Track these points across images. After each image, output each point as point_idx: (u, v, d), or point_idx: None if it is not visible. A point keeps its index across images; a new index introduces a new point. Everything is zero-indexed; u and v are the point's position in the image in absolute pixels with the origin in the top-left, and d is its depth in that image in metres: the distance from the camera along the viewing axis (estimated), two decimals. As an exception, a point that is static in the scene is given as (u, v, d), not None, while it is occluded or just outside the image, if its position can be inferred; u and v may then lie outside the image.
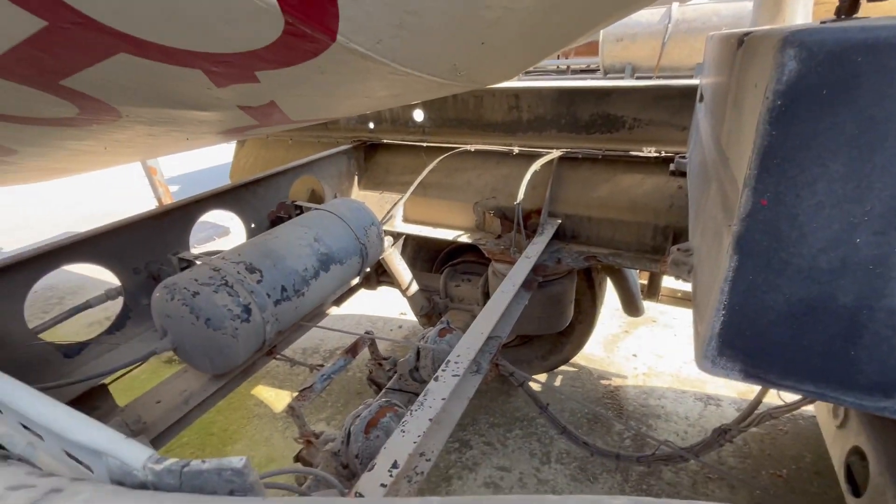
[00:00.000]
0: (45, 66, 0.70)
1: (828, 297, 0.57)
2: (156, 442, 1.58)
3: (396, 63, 0.74)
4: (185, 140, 1.40)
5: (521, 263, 1.92)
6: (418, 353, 1.76)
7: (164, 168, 5.66)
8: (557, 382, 3.07)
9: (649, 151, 2.12)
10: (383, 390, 1.78)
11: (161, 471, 0.30)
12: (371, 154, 2.85)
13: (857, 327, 0.56)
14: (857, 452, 1.10)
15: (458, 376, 1.30)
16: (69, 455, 0.37)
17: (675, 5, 7.84)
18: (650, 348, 3.32)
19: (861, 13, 0.82)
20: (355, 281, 2.55)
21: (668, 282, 2.68)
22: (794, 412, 2.59)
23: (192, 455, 2.70)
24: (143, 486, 0.30)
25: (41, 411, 0.34)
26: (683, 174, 1.77)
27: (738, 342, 0.64)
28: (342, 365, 1.77)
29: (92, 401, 1.56)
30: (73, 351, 1.54)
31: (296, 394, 1.60)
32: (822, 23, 0.80)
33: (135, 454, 0.31)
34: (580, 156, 2.28)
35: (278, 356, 2.04)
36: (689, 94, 2.01)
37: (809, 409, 2.22)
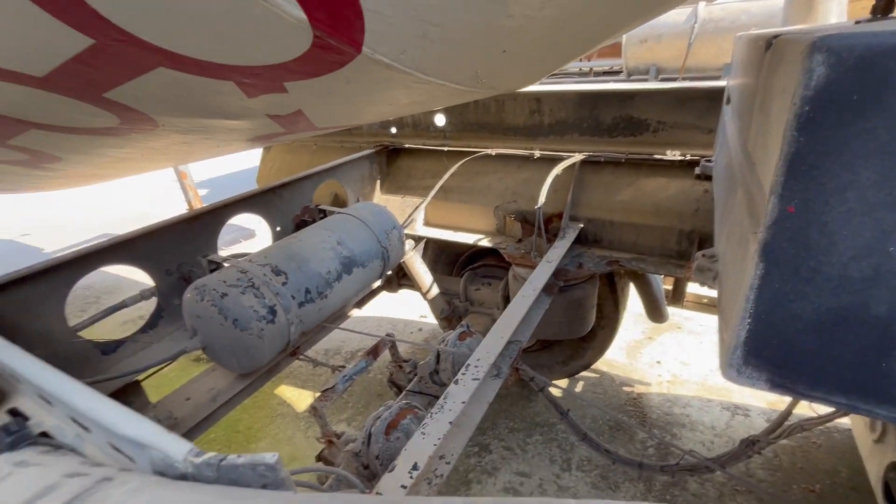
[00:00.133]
0: (90, 80, 0.75)
1: (860, 307, 0.55)
2: (185, 437, 1.63)
3: (419, 72, 0.76)
4: (216, 147, 1.45)
5: (541, 267, 1.91)
6: (438, 356, 1.77)
7: (193, 173, 5.86)
8: (578, 388, 3.04)
9: (674, 155, 2.09)
10: (403, 392, 1.80)
11: (200, 464, 0.32)
12: (393, 158, 2.89)
13: (891, 337, 0.55)
14: None
15: (478, 380, 1.31)
16: (114, 447, 0.40)
17: (701, 5, 7.67)
18: (675, 355, 3.25)
19: (897, 13, 0.79)
20: (377, 283, 2.58)
21: (694, 287, 2.62)
22: (829, 425, 2.49)
23: (219, 451, 2.78)
24: (183, 477, 0.32)
25: (92, 405, 0.37)
26: (709, 178, 1.73)
27: (764, 351, 0.62)
28: (363, 366, 1.79)
29: (126, 396, 1.63)
30: (109, 348, 1.62)
31: (318, 394, 1.63)
32: (856, 22, 0.78)
33: (177, 448, 0.33)
34: (602, 159, 2.26)
35: (301, 357, 2.08)
36: (715, 96, 1.97)
37: (844, 421, 2.14)
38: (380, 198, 2.81)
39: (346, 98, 0.90)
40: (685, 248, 2.01)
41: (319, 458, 1.63)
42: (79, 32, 0.59)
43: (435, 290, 2.70)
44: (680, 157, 2.08)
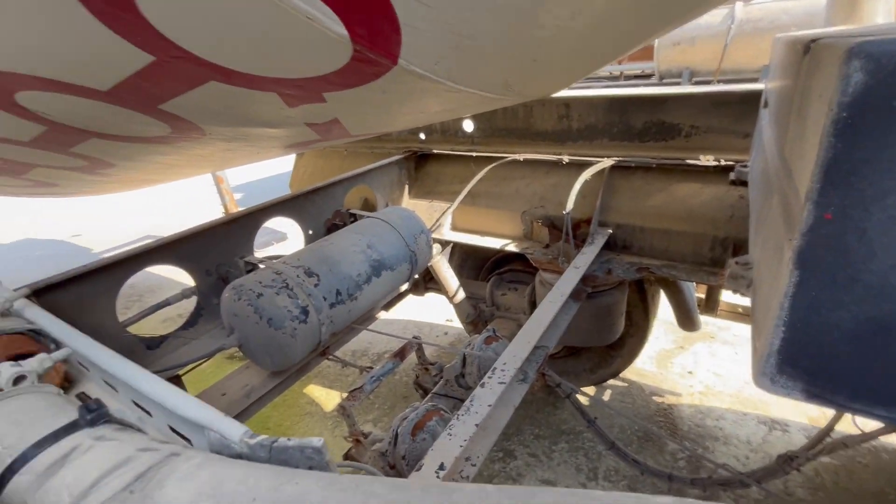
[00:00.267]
0: (148, 93, 0.81)
1: (902, 317, 0.54)
2: (221, 431, 1.71)
3: (451, 81, 0.79)
4: (256, 153, 1.53)
5: (569, 273, 1.90)
6: (464, 359, 1.78)
7: (229, 177, 6.10)
8: (606, 397, 2.98)
9: (707, 160, 2.04)
10: (429, 395, 1.82)
11: (254, 444, 0.35)
12: (421, 164, 2.94)
13: (936, 349, 0.53)
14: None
15: (504, 384, 1.31)
16: (172, 429, 0.44)
17: (738, 5, 7.43)
18: (707, 366, 3.15)
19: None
20: (404, 287, 2.62)
21: (729, 296, 2.54)
22: (876, 443, 2.36)
23: (250, 447, 2.86)
24: (238, 456, 0.35)
25: (158, 390, 0.41)
26: (744, 183, 1.69)
27: (799, 360, 0.61)
28: (390, 368, 1.83)
29: (168, 390, 1.71)
30: (154, 343, 1.71)
31: (345, 394, 1.67)
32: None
33: (233, 430, 0.36)
34: (633, 165, 2.23)
35: (331, 357, 2.14)
36: (751, 99, 1.92)
37: (894, 440, 2.02)
38: (408, 202, 2.86)
39: (380, 107, 0.93)
40: (719, 255, 1.96)
41: (347, 456, 1.67)
42: (142, 51, 0.65)
43: (461, 295, 2.72)
44: (714, 163, 2.03)
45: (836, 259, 0.55)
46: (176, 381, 1.78)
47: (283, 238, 6.12)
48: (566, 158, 2.40)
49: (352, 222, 2.28)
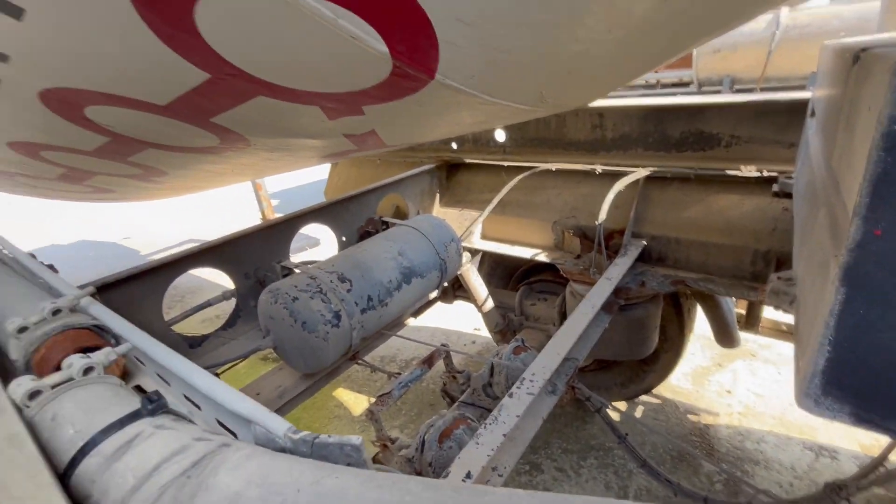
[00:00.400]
0: (202, 107, 0.87)
1: (961, 339, 0.51)
2: (255, 430, 1.77)
3: (486, 94, 0.80)
4: (295, 162, 1.59)
5: (601, 284, 1.87)
6: (492, 368, 1.78)
7: (267, 184, 6.34)
8: (638, 413, 2.89)
9: (749, 171, 1.97)
10: (456, 403, 1.82)
11: (297, 440, 0.37)
12: (453, 173, 2.97)
13: None
14: None
15: (532, 394, 1.30)
16: (219, 423, 0.47)
17: (784, 10, 7.15)
18: (748, 385, 3.00)
19: None
20: (433, 294, 2.64)
21: (771, 313, 2.42)
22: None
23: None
24: (281, 450, 0.37)
25: (209, 385, 0.44)
26: (788, 195, 1.62)
27: (846, 381, 0.59)
28: (419, 374, 1.84)
29: (207, 387, 1.79)
30: (196, 342, 1.79)
31: (374, 399, 1.70)
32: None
33: (278, 425, 0.38)
34: (669, 175, 2.18)
35: (360, 361, 2.17)
36: (797, 108, 1.85)
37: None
38: (439, 211, 2.89)
39: (416, 119, 0.96)
40: (760, 269, 1.88)
41: (374, 460, 1.69)
42: (199, 69, 0.70)
43: (490, 304, 2.71)
44: (756, 174, 1.96)
45: (885, 277, 0.53)
46: (214, 379, 1.86)
47: (317, 244, 6.29)
48: (599, 168, 2.37)
49: (384, 230, 2.33)
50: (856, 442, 2.48)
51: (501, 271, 2.98)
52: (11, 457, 0.34)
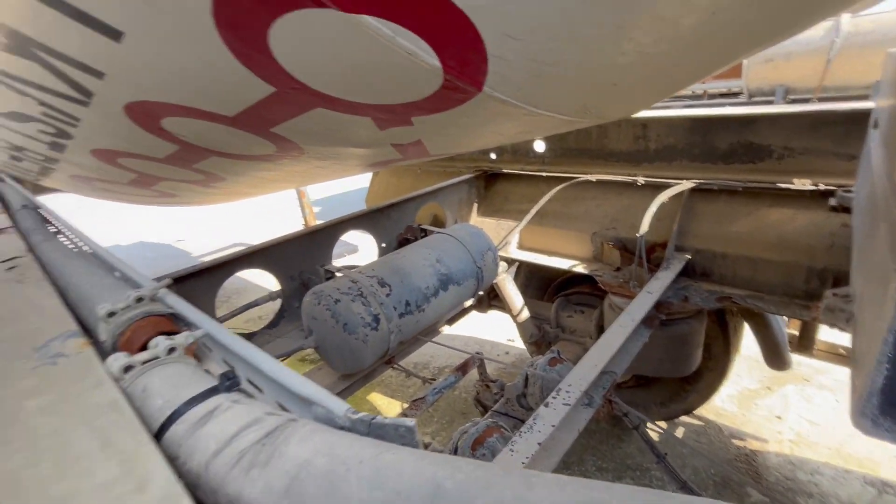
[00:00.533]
0: (264, 118, 0.94)
1: None
2: (295, 426, 1.84)
3: (531, 105, 0.83)
4: (343, 170, 1.67)
5: (641, 298, 1.83)
6: (527, 379, 1.77)
7: (310, 192, 6.58)
8: (679, 434, 2.78)
9: (803, 184, 1.88)
10: (489, 412, 1.82)
11: (356, 420, 0.40)
12: (491, 183, 2.99)
13: None
14: None
15: (568, 405, 1.29)
16: (280, 405, 0.51)
17: (845, 17, 6.78)
18: (800, 412, 2.82)
19: None
20: (469, 302, 2.66)
21: (829, 334, 2.28)
22: None
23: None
24: (341, 429, 0.40)
25: (274, 369, 0.48)
26: (847, 210, 1.54)
27: (907, 402, 0.56)
28: (452, 381, 1.86)
29: (252, 383, 1.89)
30: (243, 339, 1.89)
31: (407, 404, 1.73)
32: None
33: (338, 406, 0.42)
34: (716, 187, 2.12)
35: (396, 365, 2.22)
36: (858, 118, 1.76)
37: None
38: (476, 220, 2.92)
39: (461, 129, 1.00)
40: (815, 287, 1.79)
41: (407, 463, 1.71)
42: (266, 83, 0.77)
43: (525, 314, 2.70)
44: (811, 187, 1.87)
45: (951, 293, 0.51)
46: (259, 375, 1.95)
47: (355, 250, 6.45)
48: (641, 180, 2.33)
49: (422, 237, 2.38)
50: (925, 480, 2.27)
51: (537, 282, 2.96)
52: (115, 419, 0.39)
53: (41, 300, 0.65)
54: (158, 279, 0.77)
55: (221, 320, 1.83)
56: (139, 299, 0.62)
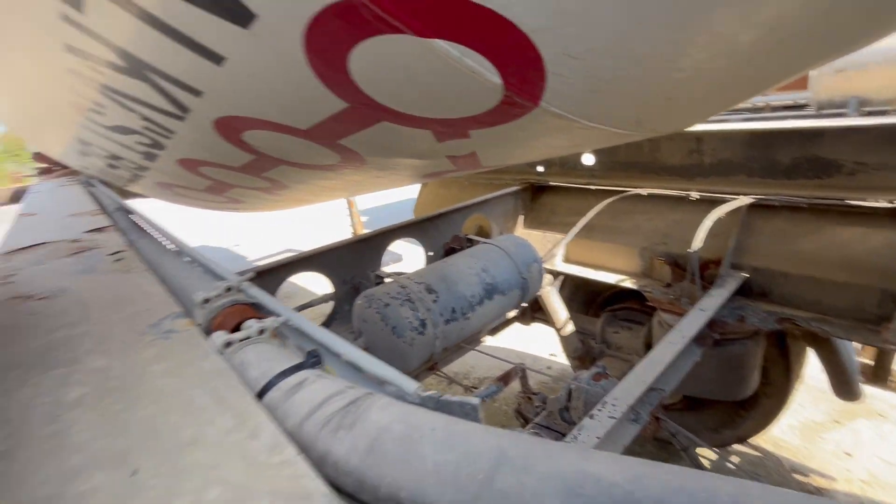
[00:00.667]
0: (334, 130, 1.03)
1: None
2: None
3: (585, 119, 0.86)
4: (398, 180, 1.75)
5: (693, 315, 1.77)
6: (570, 392, 1.76)
7: (357, 202, 6.84)
8: (733, 462, 2.62)
9: (877, 201, 1.77)
10: (530, 424, 1.82)
11: (425, 397, 0.45)
12: (537, 195, 3.01)
13: None
14: None
15: (614, 419, 1.28)
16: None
17: (930, 23, 6.24)
18: (874, 450, 2.59)
19: None
20: (512, 313, 2.67)
21: (906, 366, 2.10)
22: None
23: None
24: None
25: (349, 351, 0.54)
26: (928, 230, 1.44)
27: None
28: (494, 391, 1.88)
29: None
30: (298, 338, 2.01)
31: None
32: None
33: (409, 384, 0.47)
34: (777, 203, 2.03)
35: (439, 372, 2.26)
36: (942, 133, 1.64)
37: None
38: (522, 232, 2.94)
39: (515, 142, 1.04)
40: (889, 311, 1.66)
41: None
42: (341, 99, 0.85)
43: (570, 328, 2.67)
44: (888, 204, 1.76)
45: None
46: (310, 373, 2.05)
47: (399, 259, 6.61)
48: (695, 194, 2.27)
49: (468, 247, 2.43)
50: None
51: (583, 296, 2.92)
52: (224, 383, 0.46)
53: (147, 287, 0.75)
54: (241, 273, 0.86)
55: (279, 319, 1.96)
56: (228, 289, 0.71)
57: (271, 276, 1.90)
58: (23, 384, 0.49)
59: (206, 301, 0.68)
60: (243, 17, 0.66)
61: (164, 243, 1.37)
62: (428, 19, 0.59)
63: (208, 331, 0.66)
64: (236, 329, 0.61)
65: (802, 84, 8.02)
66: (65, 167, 3.50)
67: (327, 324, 2.14)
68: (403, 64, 0.68)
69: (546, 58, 0.67)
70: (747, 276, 2.02)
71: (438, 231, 2.46)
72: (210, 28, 0.72)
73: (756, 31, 0.68)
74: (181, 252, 1.16)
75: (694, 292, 2.03)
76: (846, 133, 1.85)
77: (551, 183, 2.93)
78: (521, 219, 2.95)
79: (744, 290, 2.02)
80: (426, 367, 2.17)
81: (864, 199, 1.81)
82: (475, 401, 0.43)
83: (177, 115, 1.12)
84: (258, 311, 0.71)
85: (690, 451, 1.58)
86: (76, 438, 0.39)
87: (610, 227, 2.53)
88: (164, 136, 1.31)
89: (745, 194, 2.11)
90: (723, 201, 2.11)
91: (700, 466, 1.61)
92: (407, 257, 6.62)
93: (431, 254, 2.46)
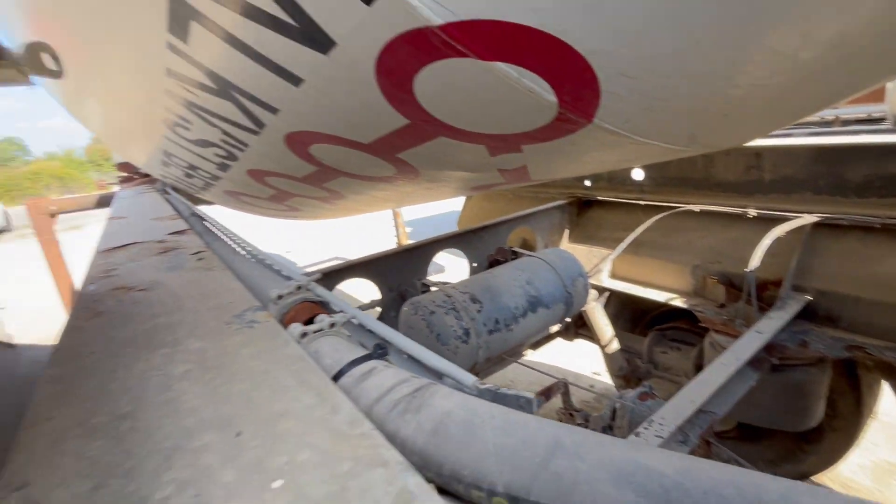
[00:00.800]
0: (393, 144, 1.10)
1: None
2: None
3: (638, 135, 0.88)
4: (448, 192, 1.81)
5: (749, 337, 1.70)
6: (614, 411, 1.72)
7: (402, 213, 7.01)
8: (792, 501, 2.44)
9: (963, 223, 1.63)
10: (574, 439, 1.79)
11: (483, 389, 0.49)
12: (584, 210, 2.98)
13: None
14: None
15: (661, 438, 1.25)
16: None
17: None
18: (962, 499, 2.33)
19: None
20: (556, 328, 2.65)
21: None
22: None
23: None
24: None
25: (410, 345, 0.59)
26: None
27: None
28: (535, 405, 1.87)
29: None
30: (346, 340, 2.10)
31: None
32: None
33: (467, 377, 0.51)
34: (846, 223, 1.91)
35: (480, 382, 2.28)
36: None
37: None
38: (567, 246, 2.92)
39: (566, 157, 1.07)
40: (978, 343, 1.52)
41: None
42: (403, 117, 0.92)
43: (615, 346, 2.61)
44: (974, 227, 1.62)
45: None
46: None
47: (442, 270, 6.69)
48: (753, 212, 2.18)
49: (513, 259, 2.44)
50: None
51: (629, 313, 2.85)
52: (303, 367, 0.52)
53: (228, 283, 0.84)
54: (308, 274, 0.94)
55: (330, 321, 2.06)
56: (298, 287, 0.78)
57: (327, 280, 2.00)
58: (137, 360, 0.57)
59: (280, 297, 0.75)
60: (325, 45, 0.74)
61: (233, 246, 1.50)
62: (491, 45, 0.64)
63: (282, 324, 0.73)
64: (308, 323, 0.67)
65: (879, 96, 7.45)
66: (143, 176, 3.85)
67: (374, 329, 2.22)
68: (464, 84, 0.74)
69: (601, 77, 0.70)
70: (811, 298, 1.91)
71: (483, 243, 2.50)
72: (294, 54, 0.80)
73: (817, 48, 0.68)
74: (250, 254, 1.27)
75: (750, 314, 1.94)
76: (928, 149, 1.73)
77: (599, 197, 2.90)
78: (566, 233, 2.93)
79: (807, 314, 1.91)
80: (468, 377, 2.20)
81: (947, 221, 1.67)
82: (530, 395, 0.46)
83: (252, 130, 1.23)
84: (325, 308, 0.78)
85: (744, 481, 1.49)
86: (188, 405, 0.45)
87: (660, 243, 2.47)
88: (239, 149, 1.44)
89: (808, 212, 2.00)
90: (783, 219, 2.01)
91: (755, 498, 1.52)
92: (449, 268, 6.68)
93: (476, 265, 2.50)
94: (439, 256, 2.52)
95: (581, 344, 2.96)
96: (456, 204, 3.91)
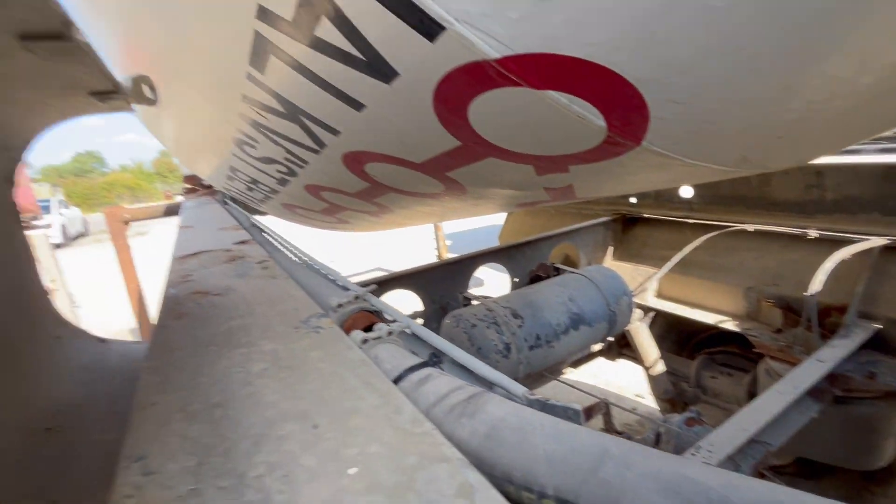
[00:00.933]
0: (443, 164, 1.16)
1: None
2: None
3: (687, 157, 0.89)
4: (493, 208, 1.86)
5: (809, 365, 1.61)
6: (658, 435, 1.67)
7: (443, 227, 7.10)
8: (859, 547, 2.24)
9: None
10: (616, 461, 1.75)
11: (532, 400, 0.52)
12: (629, 227, 2.93)
13: None
14: None
15: (709, 465, 1.21)
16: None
17: None
18: None
19: None
20: (598, 347, 2.60)
21: None
22: None
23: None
24: (518, 407, 0.52)
25: (463, 356, 0.63)
26: None
27: None
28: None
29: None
30: (389, 350, 2.16)
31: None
32: None
33: (517, 388, 0.54)
34: (919, 247, 1.78)
35: (519, 398, 2.27)
36: None
37: None
38: (610, 263, 2.87)
39: (613, 177, 1.08)
40: None
41: None
42: (455, 139, 0.97)
43: (660, 368, 2.53)
44: None
45: None
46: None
47: (481, 284, 6.70)
48: (813, 233, 2.07)
49: (555, 275, 2.44)
50: None
51: (676, 335, 2.75)
52: (367, 370, 0.57)
53: (292, 291, 0.92)
54: (363, 285, 1.00)
55: (374, 330, 2.13)
56: (356, 297, 0.84)
57: (378, 291, 2.08)
58: (219, 357, 0.64)
59: (340, 306, 0.81)
60: (388, 75, 0.81)
61: (290, 256, 1.60)
62: (544, 75, 0.69)
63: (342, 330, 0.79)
64: (366, 330, 0.73)
65: (962, 109, 6.81)
66: (205, 187, 4.15)
67: (415, 339, 2.28)
68: (516, 110, 0.78)
69: (650, 103, 0.73)
70: (880, 326, 1.78)
71: (525, 258, 2.51)
72: (358, 83, 0.88)
73: (876, 74, 0.67)
74: (306, 264, 1.36)
75: (810, 340, 1.83)
76: None
77: (645, 215, 2.84)
78: (610, 250, 2.89)
79: (875, 343, 1.78)
80: (506, 392, 2.20)
81: None
82: (577, 406, 0.49)
83: (314, 150, 1.33)
84: (379, 317, 0.83)
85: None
86: (268, 399, 0.51)
87: (710, 263, 2.39)
88: (299, 166, 1.55)
89: (877, 234, 1.88)
90: (848, 241, 1.90)
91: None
92: (489, 283, 6.68)
93: (517, 280, 2.51)
94: (480, 271, 2.55)
95: (624, 364, 2.88)
96: (496, 218, 3.94)
